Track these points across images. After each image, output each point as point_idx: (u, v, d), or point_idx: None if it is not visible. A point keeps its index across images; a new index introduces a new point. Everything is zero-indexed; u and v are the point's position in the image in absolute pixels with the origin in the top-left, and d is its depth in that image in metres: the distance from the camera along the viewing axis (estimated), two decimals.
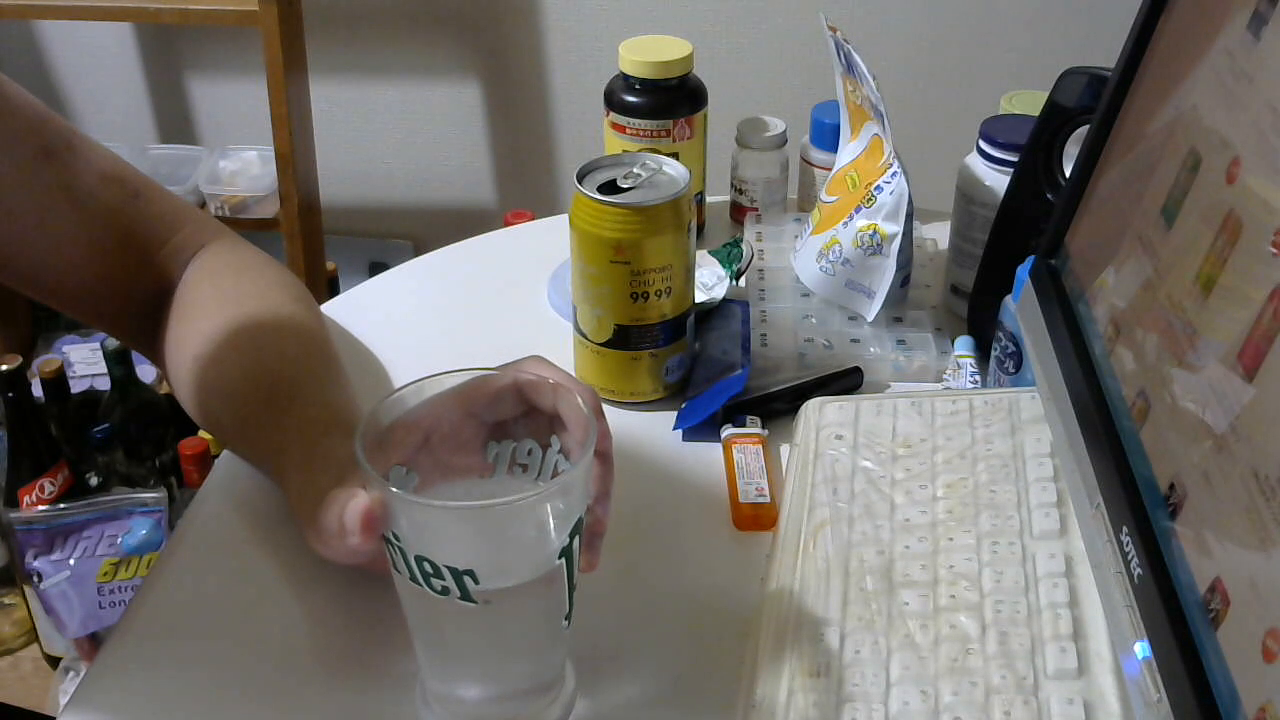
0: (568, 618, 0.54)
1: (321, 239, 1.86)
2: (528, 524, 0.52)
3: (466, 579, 0.49)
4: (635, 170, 0.74)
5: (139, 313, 0.76)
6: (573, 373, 0.80)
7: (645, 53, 0.91)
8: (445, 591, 0.50)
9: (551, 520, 0.51)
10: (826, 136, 0.95)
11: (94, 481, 1.62)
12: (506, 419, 0.56)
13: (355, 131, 2.02)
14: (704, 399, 0.76)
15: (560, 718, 0.57)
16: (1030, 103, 0.86)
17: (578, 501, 0.52)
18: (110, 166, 0.73)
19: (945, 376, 0.81)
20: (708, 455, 0.75)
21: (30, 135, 0.69)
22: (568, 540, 0.51)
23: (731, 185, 1.00)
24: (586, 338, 0.77)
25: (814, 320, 0.86)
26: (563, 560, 0.51)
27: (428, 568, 0.50)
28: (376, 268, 2.08)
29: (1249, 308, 0.45)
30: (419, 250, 2.09)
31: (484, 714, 0.58)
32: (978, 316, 0.83)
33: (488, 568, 0.50)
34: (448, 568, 0.49)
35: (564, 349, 0.80)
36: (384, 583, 0.54)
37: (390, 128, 2.02)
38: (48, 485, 1.54)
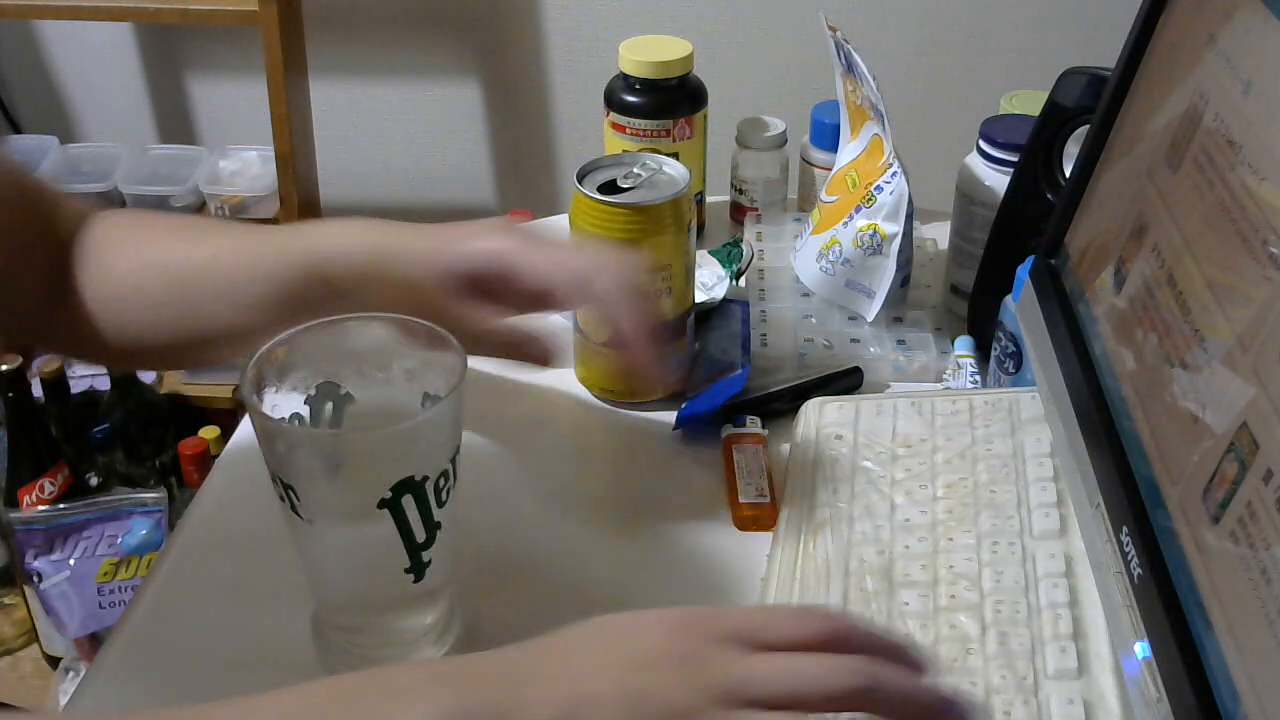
0: (411, 571, 0.54)
1: None
2: (324, 461, 0.53)
3: (290, 494, 0.52)
4: (635, 170, 0.74)
5: (29, 294, 0.70)
6: (573, 373, 0.80)
7: (645, 53, 0.91)
8: (282, 498, 0.53)
9: (356, 469, 0.53)
10: (826, 136, 0.95)
11: (94, 481, 1.62)
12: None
13: (355, 131, 2.02)
14: (704, 399, 0.76)
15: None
16: (1030, 103, 0.86)
17: (396, 460, 0.52)
18: None
19: (945, 376, 0.81)
20: (708, 455, 0.74)
21: None
22: (389, 495, 0.52)
23: (731, 185, 1.00)
24: (586, 337, 0.77)
25: (814, 320, 0.86)
26: (386, 511, 0.52)
27: (269, 469, 0.53)
28: None
29: (1250, 307, 0.45)
30: None
31: (330, 632, 0.60)
32: (978, 316, 0.83)
33: (304, 490, 0.52)
34: (276, 476, 0.53)
35: (564, 349, 0.80)
36: None
37: (390, 128, 2.02)
38: (48, 485, 1.54)
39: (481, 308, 0.64)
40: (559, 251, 0.64)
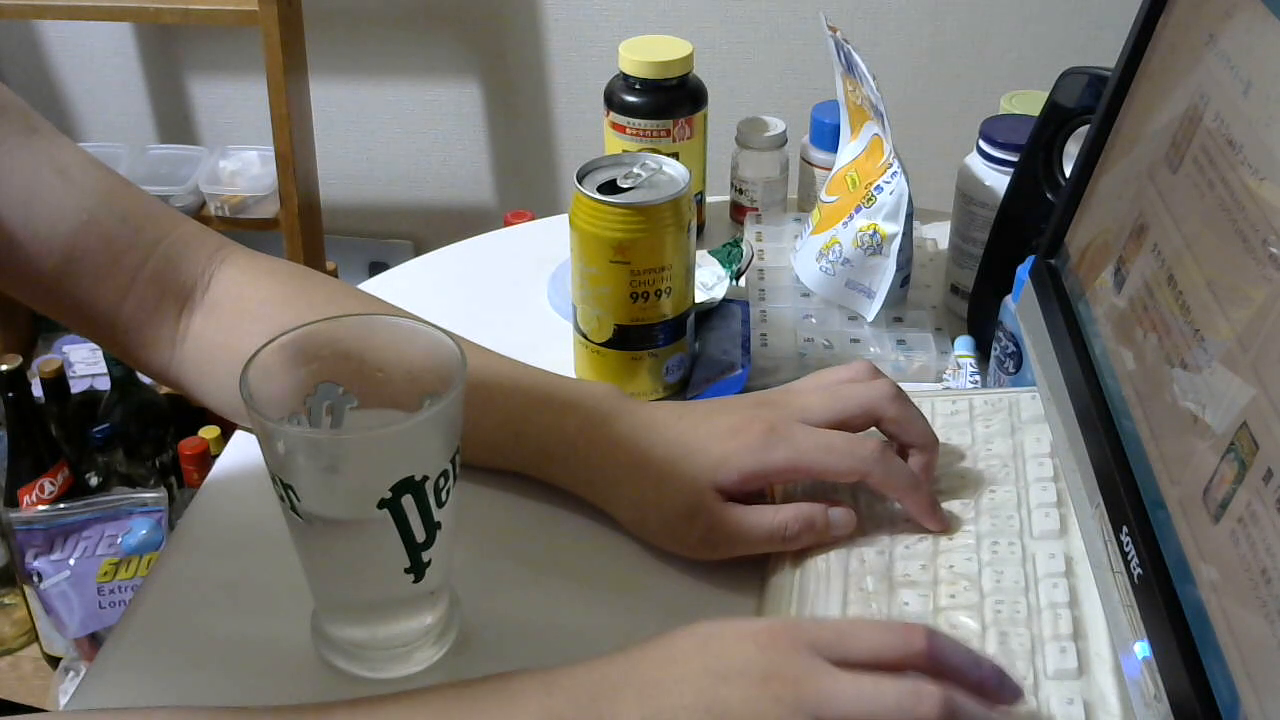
0: (411, 571, 0.55)
1: (321, 239, 1.86)
2: (323, 461, 0.55)
3: (290, 494, 0.52)
4: (635, 170, 0.74)
5: (138, 301, 0.70)
6: (573, 373, 0.80)
7: (645, 53, 0.91)
8: (282, 498, 0.54)
9: (356, 469, 0.54)
10: (826, 136, 0.95)
11: (94, 481, 1.63)
12: None
13: (355, 131, 2.02)
14: (704, 399, 0.76)
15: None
16: (1030, 103, 0.86)
17: (396, 460, 0.52)
18: (91, 157, 0.71)
19: (945, 376, 0.81)
20: None
21: (14, 112, 0.68)
22: (389, 495, 0.52)
23: (731, 185, 1.00)
24: (586, 338, 0.77)
25: (814, 320, 0.86)
26: (386, 511, 0.52)
27: (269, 469, 0.54)
28: (376, 268, 2.08)
29: (1250, 307, 0.45)
30: (419, 250, 2.09)
31: (330, 632, 0.60)
32: (978, 316, 0.83)
33: (303, 490, 0.52)
34: (276, 476, 0.53)
35: (564, 349, 0.80)
36: None
37: (390, 128, 2.02)
38: (48, 485, 1.54)
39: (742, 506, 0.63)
40: (849, 444, 0.62)
